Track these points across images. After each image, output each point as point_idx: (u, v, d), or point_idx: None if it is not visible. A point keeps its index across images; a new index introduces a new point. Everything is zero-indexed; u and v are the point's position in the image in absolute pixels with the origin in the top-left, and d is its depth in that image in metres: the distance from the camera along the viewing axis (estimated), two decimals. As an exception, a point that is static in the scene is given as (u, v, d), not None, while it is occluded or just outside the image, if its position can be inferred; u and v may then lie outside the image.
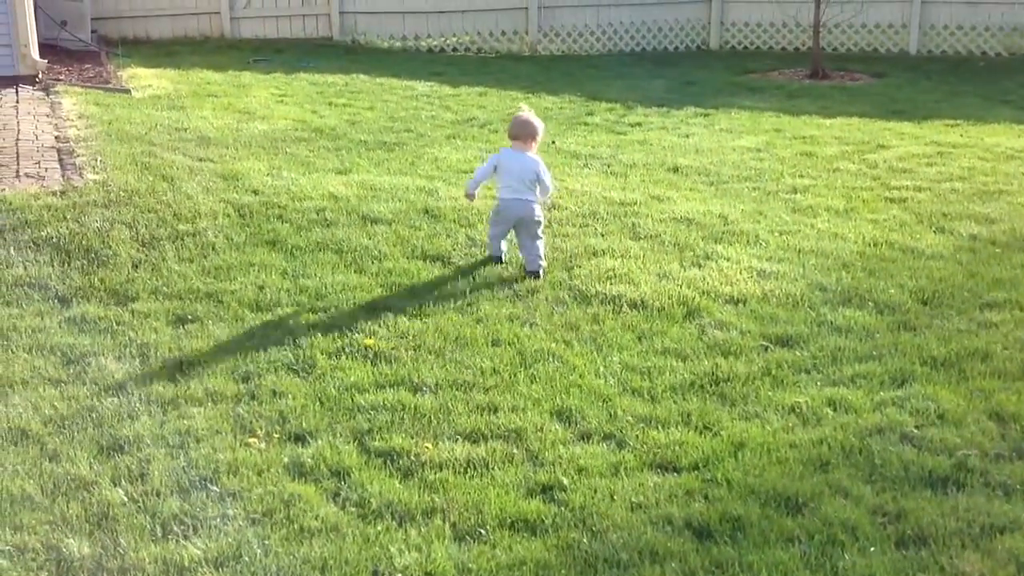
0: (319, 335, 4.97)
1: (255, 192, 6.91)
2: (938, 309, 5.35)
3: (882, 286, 5.62)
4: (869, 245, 6.32)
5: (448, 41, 15.18)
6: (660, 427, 4.20)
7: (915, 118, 10.39)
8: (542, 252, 5.83)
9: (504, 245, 6.01)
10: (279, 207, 6.64)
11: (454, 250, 6.10)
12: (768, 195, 7.45)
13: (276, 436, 4.08)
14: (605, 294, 5.52)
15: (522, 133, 5.91)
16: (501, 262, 5.95)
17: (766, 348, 4.93)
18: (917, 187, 7.64)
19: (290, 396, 4.39)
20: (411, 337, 4.99)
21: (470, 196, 6.14)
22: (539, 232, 5.83)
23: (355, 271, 5.79)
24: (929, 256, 6.13)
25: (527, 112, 6.06)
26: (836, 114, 10.58)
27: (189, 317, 5.14)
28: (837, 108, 10.95)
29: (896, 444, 4.03)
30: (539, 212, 5.86)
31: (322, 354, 4.78)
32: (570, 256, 6.06)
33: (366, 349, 4.85)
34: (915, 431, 4.12)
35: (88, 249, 5.84)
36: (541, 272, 5.76)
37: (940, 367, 4.68)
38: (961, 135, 9.54)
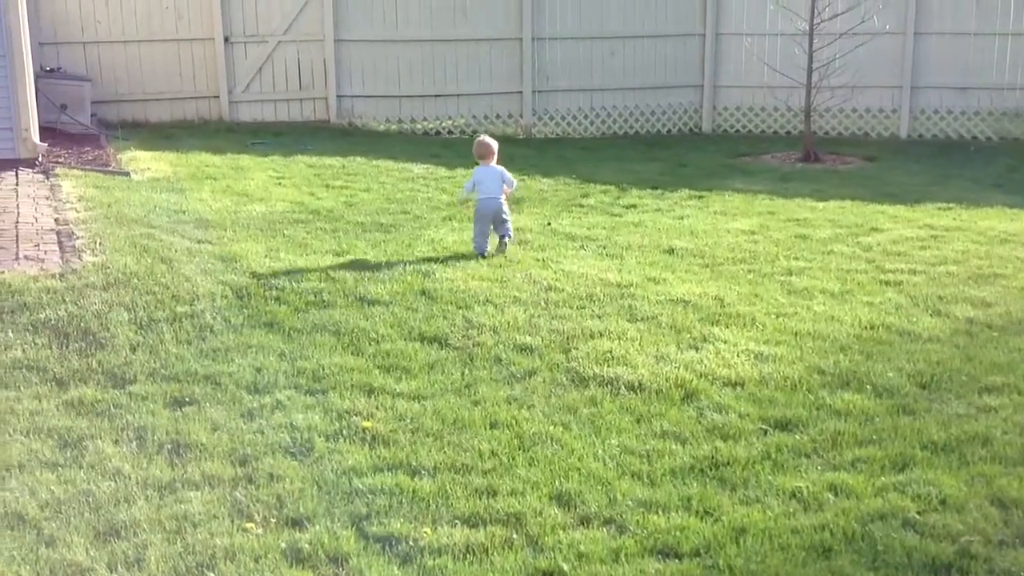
0: (317, 418, 4.95)
1: (253, 274, 6.94)
2: (936, 393, 5.35)
3: (880, 369, 5.63)
4: (866, 328, 6.34)
5: (444, 124, 15.40)
6: (660, 512, 4.17)
7: (907, 201, 10.52)
8: (510, 229, 8.06)
9: (488, 245, 7.92)
10: (277, 289, 6.67)
11: (451, 332, 6.11)
12: (763, 277, 7.50)
13: (273, 521, 4.04)
14: (603, 376, 5.52)
15: (486, 152, 8.16)
16: (484, 257, 7.78)
17: (765, 432, 4.92)
18: (912, 270, 7.70)
19: (287, 480, 4.36)
20: (409, 419, 4.98)
21: (463, 201, 8.75)
22: (505, 218, 7.99)
23: (352, 353, 5.79)
24: (926, 339, 6.15)
25: (484, 137, 8.35)
26: (829, 197, 10.70)
27: (186, 400, 5.12)
28: (830, 191, 11.08)
29: (898, 530, 4.00)
30: (506, 207, 8.05)
31: (320, 437, 4.76)
32: (567, 338, 6.07)
33: (364, 431, 4.83)
34: (917, 517, 4.09)
35: (86, 331, 5.84)
36: (509, 238, 8.02)
37: (940, 452, 4.67)
38: (954, 219, 9.65)
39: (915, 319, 6.53)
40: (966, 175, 12.25)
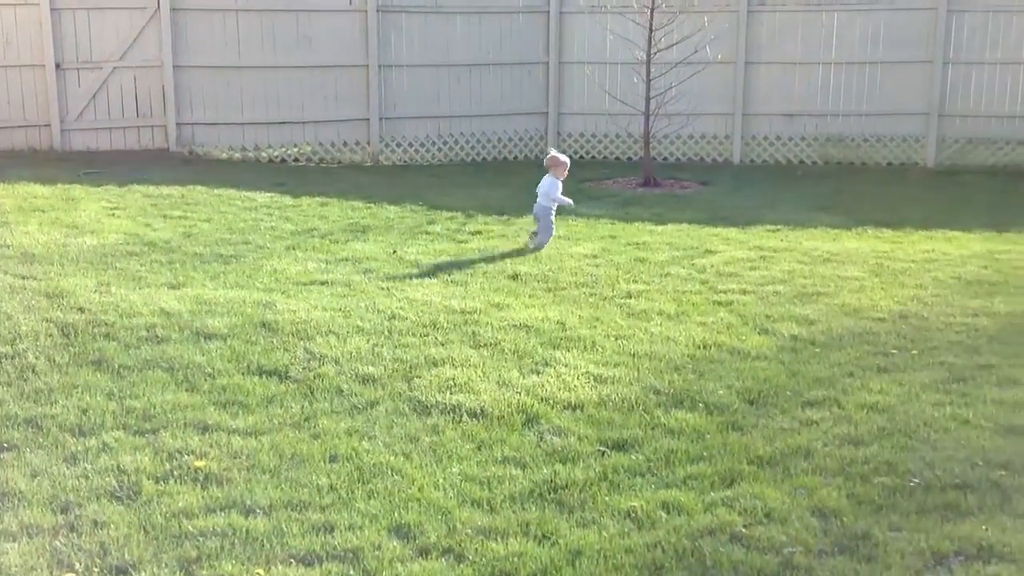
0: (146, 459, 4.78)
1: (81, 310, 6.67)
2: (763, 409, 5.56)
3: (711, 387, 5.82)
4: (699, 347, 6.54)
5: (289, 151, 15.22)
6: (499, 538, 4.19)
7: (739, 224, 10.93)
8: (543, 239, 9.39)
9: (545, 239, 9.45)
10: (106, 325, 6.42)
11: (292, 364, 6.01)
12: (604, 300, 7.66)
13: (96, 570, 3.87)
14: (445, 404, 5.52)
15: (550, 164, 9.63)
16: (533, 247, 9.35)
17: (603, 453, 5.01)
18: (742, 290, 7.99)
19: (112, 526, 4.19)
20: (244, 456, 4.86)
21: None
22: (541, 222, 9.41)
23: (186, 389, 5.63)
24: (754, 357, 6.39)
25: (554, 151, 10.03)
26: (667, 221, 11.03)
27: (4, 445, 4.86)
28: (668, 215, 11.42)
29: (726, 544, 4.13)
30: (544, 215, 9.43)
31: (148, 479, 4.59)
32: (410, 367, 6.05)
33: (196, 471, 4.68)
34: (744, 530, 4.23)
35: None
36: (536, 244, 9.35)
37: (766, 465, 4.84)
38: (781, 240, 10.08)
39: (744, 337, 6.77)
40: (793, 198, 12.83)
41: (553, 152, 9.92)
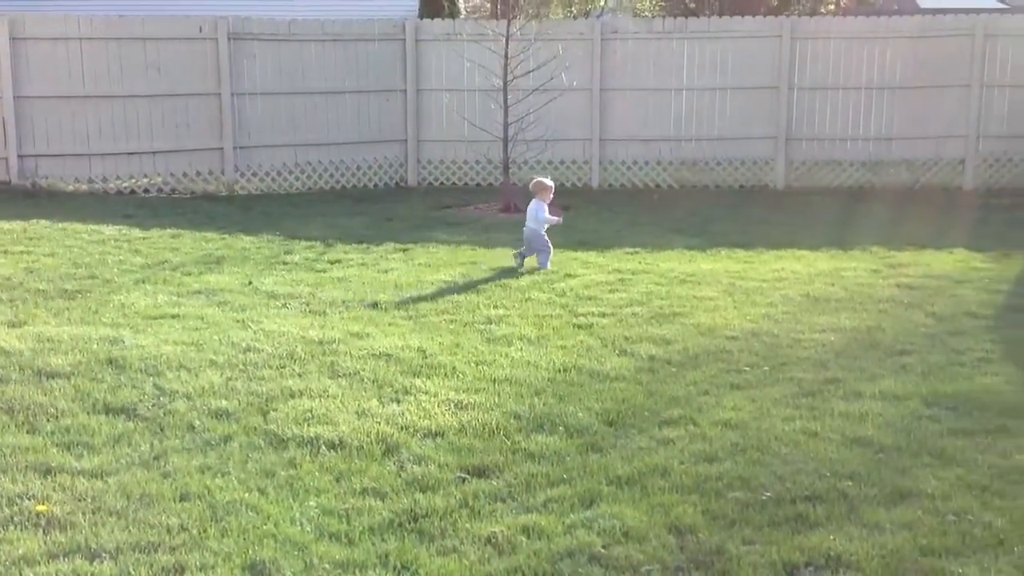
0: (-19, 506, 4.52)
1: (-90, 352, 6.29)
2: (622, 429, 5.62)
3: (571, 410, 5.85)
4: (559, 371, 6.58)
5: (140, 183, 14.77)
6: (357, 571, 4.10)
7: (599, 247, 11.11)
8: (546, 260, 9.81)
9: (523, 263, 9.87)
10: (-61, 367, 6.07)
11: (140, 401, 5.79)
12: (465, 326, 7.64)
13: (-78, 629, 3.63)
14: (302, 436, 5.39)
15: (536, 189, 10.10)
16: (519, 270, 9.70)
17: (463, 480, 4.97)
18: (602, 313, 8.10)
19: (-58, 580, 3.94)
20: (90, 499, 4.64)
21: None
22: (537, 247, 9.82)
23: (27, 431, 5.35)
24: (613, 378, 6.46)
25: (539, 177, 10.54)
26: (528, 245, 11.11)
27: None
28: (529, 240, 11.50)
29: (585, 566, 4.14)
30: (537, 239, 9.83)
31: (-15, 527, 4.34)
32: (266, 400, 5.91)
33: (37, 516, 4.45)
34: (603, 551, 4.25)
35: None
36: (542, 266, 9.75)
37: (624, 485, 4.88)
38: (639, 262, 10.27)
39: (604, 360, 6.85)
40: (651, 221, 13.12)
41: (538, 178, 10.44)
